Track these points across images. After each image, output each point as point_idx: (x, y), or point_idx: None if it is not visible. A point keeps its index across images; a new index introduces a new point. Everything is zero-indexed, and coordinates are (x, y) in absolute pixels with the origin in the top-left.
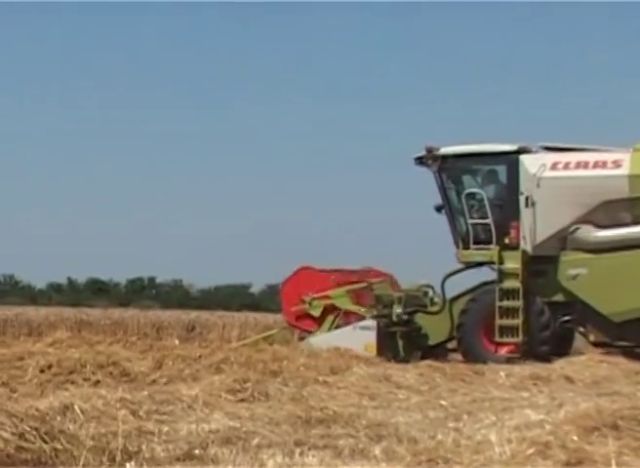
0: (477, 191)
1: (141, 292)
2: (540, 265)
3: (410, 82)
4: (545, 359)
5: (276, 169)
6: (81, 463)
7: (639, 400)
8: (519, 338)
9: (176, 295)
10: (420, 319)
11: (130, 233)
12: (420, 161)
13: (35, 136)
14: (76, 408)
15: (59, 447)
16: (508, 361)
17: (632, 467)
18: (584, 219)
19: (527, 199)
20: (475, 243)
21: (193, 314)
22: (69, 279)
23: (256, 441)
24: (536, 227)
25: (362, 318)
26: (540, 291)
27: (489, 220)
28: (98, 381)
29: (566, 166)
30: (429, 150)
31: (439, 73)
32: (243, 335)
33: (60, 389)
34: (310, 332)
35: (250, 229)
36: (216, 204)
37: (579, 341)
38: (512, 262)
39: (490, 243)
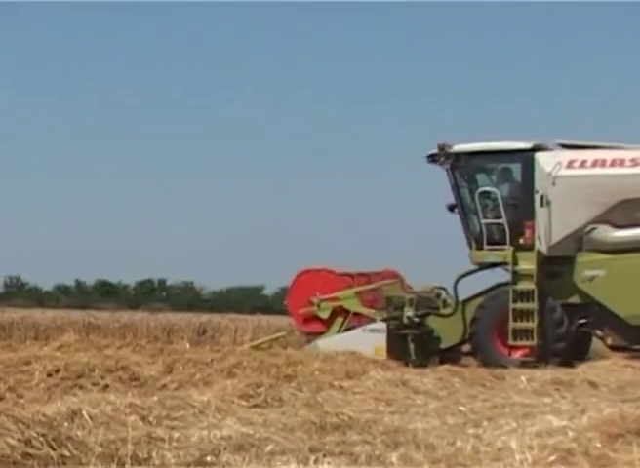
0: (491, 190)
1: (151, 294)
2: (556, 266)
3: (410, 82)
4: (568, 363)
5: (285, 168)
6: None
7: None
8: (533, 342)
9: (186, 298)
10: (432, 321)
11: (139, 234)
12: (432, 159)
13: (41, 136)
14: (84, 413)
15: (66, 453)
16: (528, 365)
17: None
18: (601, 219)
19: (542, 198)
20: (489, 243)
21: (204, 317)
22: (77, 281)
23: (269, 447)
24: (551, 227)
25: (372, 320)
26: (556, 292)
27: (503, 220)
28: (106, 386)
29: (582, 164)
30: (442, 148)
31: (440, 73)
32: (256, 339)
33: (67, 394)
34: (319, 335)
35: (262, 230)
36: (227, 204)
37: (600, 344)
38: (527, 263)
39: (504, 243)
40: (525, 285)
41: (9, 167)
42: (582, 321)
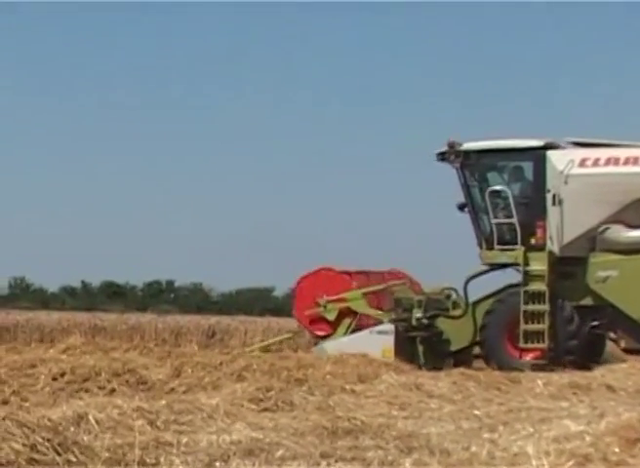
0: (502, 189)
1: (159, 295)
2: (568, 267)
3: (411, 82)
4: (585, 367)
5: (292, 168)
6: None
7: None
8: (545, 344)
9: (195, 299)
10: (442, 323)
11: (147, 234)
12: (441, 157)
13: (46, 136)
14: (90, 417)
15: (72, 459)
16: (539, 367)
17: None
18: (615, 219)
19: (554, 197)
20: (499, 243)
21: (213, 319)
22: (83, 282)
23: (279, 453)
24: (563, 227)
25: (380, 322)
26: (568, 294)
27: (514, 219)
28: (113, 390)
29: (595, 162)
30: (451, 146)
31: (440, 72)
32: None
33: (73, 398)
34: (325, 337)
35: (272, 230)
36: (237, 204)
37: (615, 347)
38: (538, 264)
39: (515, 243)
40: (536, 286)
41: (14, 167)
42: (595, 323)
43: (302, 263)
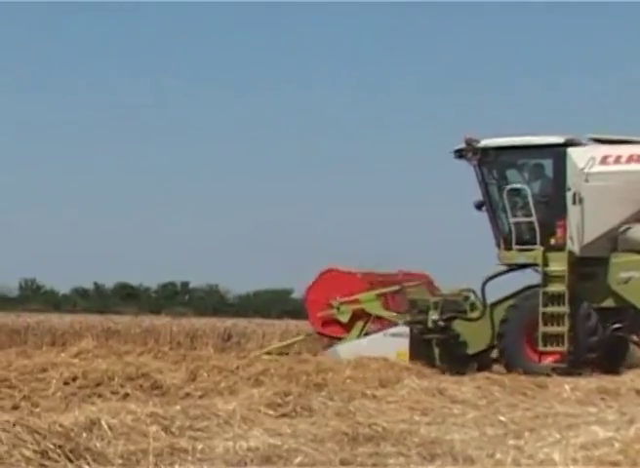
0: (520, 187)
1: (174, 297)
2: (589, 268)
3: (412, 80)
4: (613, 371)
5: (309, 168)
6: None
7: None
8: (564, 347)
9: (211, 301)
10: (459, 326)
11: (161, 235)
12: (459, 154)
13: (55, 137)
14: (103, 423)
15: (84, 466)
16: (571, 373)
17: None
18: (637, 218)
19: (574, 195)
20: (518, 243)
21: (230, 322)
22: (96, 284)
23: (298, 459)
24: (584, 226)
25: (394, 324)
26: (589, 295)
27: (533, 219)
28: (127, 395)
29: (617, 160)
30: (469, 142)
31: (441, 72)
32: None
33: (85, 403)
34: (338, 340)
35: (291, 230)
36: (256, 204)
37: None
38: (558, 264)
39: (534, 243)
40: (556, 287)
41: (24, 167)
42: (617, 325)
43: (322, 264)
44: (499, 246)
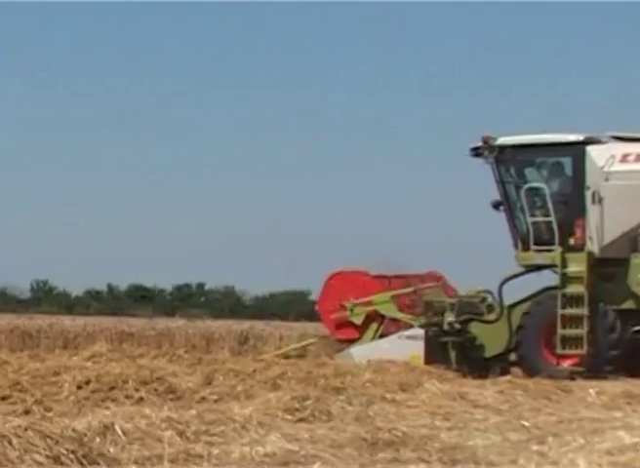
0: (538, 186)
1: (189, 299)
2: (609, 269)
3: (413, 79)
4: (637, 374)
5: (329, 167)
6: None
7: None
8: (583, 350)
9: (227, 303)
10: (475, 328)
11: (175, 235)
12: (475, 152)
13: (71, 139)
14: (117, 428)
15: None
16: (596, 377)
17: None
18: None
19: (594, 195)
20: (536, 243)
21: (246, 324)
22: (109, 285)
23: (316, 465)
24: (603, 226)
25: (409, 326)
26: (608, 297)
27: (551, 218)
28: (141, 399)
29: (638, 158)
30: (486, 140)
31: (442, 69)
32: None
33: (99, 407)
34: (352, 342)
35: (309, 231)
36: (272, 203)
37: None
38: (577, 265)
39: (552, 243)
40: (575, 289)
41: (36, 167)
42: (638, 328)
43: (338, 265)
44: (516, 246)
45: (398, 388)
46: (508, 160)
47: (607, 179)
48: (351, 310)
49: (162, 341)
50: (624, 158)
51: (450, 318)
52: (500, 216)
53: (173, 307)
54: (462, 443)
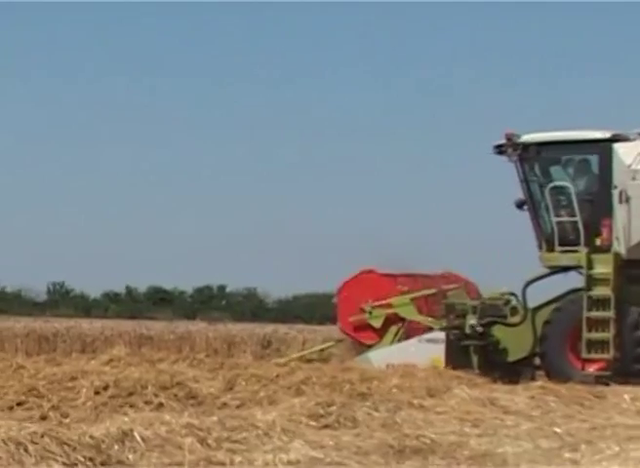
0: (564, 184)
1: (210, 302)
2: (636, 270)
3: (413, 79)
4: None
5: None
6: None
7: None
8: (610, 354)
9: (249, 306)
10: (498, 331)
11: (196, 236)
12: (498, 150)
13: (91, 140)
14: (136, 434)
15: None
16: (628, 382)
17: None
18: None
19: (621, 194)
20: (561, 244)
21: (269, 327)
22: (128, 287)
23: None
24: (631, 226)
25: (430, 329)
26: (636, 299)
27: (577, 218)
28: (160, 404)
29: None
30: (509, 138)
31: (442, 69)
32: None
33: (117, 413)
34: (370, 346)
35: (333, 231)
36: (296, 203)
37: None
38: (603, 267)
39: (578, 244)
40: (601, 291)
41: (50, 167)
42: None
43: (362, 266)
44: (540, 247)
45: (426, 394)
46: (532, 158)
47: (634, 178)
48: (370, 313)
49: (182, 345)
50: None
51: (472, 321)
52: (524, 216)
53: (193, 310)
54: (492, 450)
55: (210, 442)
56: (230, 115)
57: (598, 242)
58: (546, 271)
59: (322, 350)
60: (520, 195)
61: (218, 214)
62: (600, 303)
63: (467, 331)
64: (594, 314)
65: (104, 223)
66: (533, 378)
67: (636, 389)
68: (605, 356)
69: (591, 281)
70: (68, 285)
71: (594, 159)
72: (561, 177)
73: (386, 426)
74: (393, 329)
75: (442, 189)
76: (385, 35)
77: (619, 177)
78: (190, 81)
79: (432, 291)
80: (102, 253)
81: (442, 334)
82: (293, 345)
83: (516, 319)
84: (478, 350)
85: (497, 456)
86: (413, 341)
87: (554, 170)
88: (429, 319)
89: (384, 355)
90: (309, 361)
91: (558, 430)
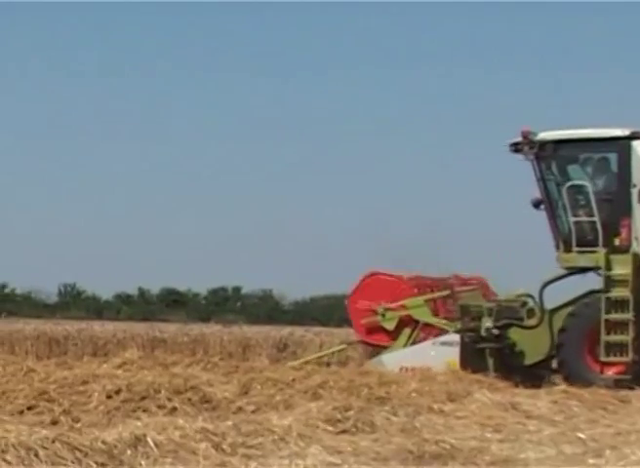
0: (581, 183)
1: (225, 304)
2: None
3: (413, 79)
4: None
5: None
6: None
7: None
8: (629, 358)
9: (265, 308)
10: (515, 334)
11: (210, 236)
12: (515, 148)
13: (99, 142)
14: (149, 440)
15: None
16: (623, 385)
17: None
18: None
19: None
20: (579, 244)
21: (285, 330)
22: (140, 289)
23: None
24: None
25: (444, 332)
26: None
27: (595, 218)
28: (174, 409)
29: None
30: (525, 135)
31: (442, 69)
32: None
33: (130, 418)
34: (383, 348)
35: (350, 232)
36: (312, 203)
37: None
38: (622, 268)
39: (596, 244)
40: (619, 292)
41: (64, 170)
42: None
43: (384, 267)
44: (558, 247)
45: (446, 398)
46: (549, 156)
47: None
48: (383, 315)
49: (196, 348)
50: None
51: (487, 323)
52: (541, 216)
53: (207, 312)
54: (514, 455)
55: (225, 447)
56: (237, 114)
57: (617, 242)
58: (564, 272)
59: (333, 353)
60: (537, 194)
61: (233, 215)
62: (619, 305)
63: (483, 333)
64: (613, 316)
65: (116, 224)
66: (554, 383)
67: None
68: (624, 359)
69: (610, 282)
70: (80, 286)
71: (613, 157)
72: (579, 176)
73: (405, 431)
74: (406, 331)
75: (451, 188)
76: (386, 35)
77: (638, 176)
78: (190, 80)
79: (446, 292)
80: (114, 253)
81: (457, 337)
82: (310, 348)
83: (533, 321)
84: (494, 353)
85: (519, 462)
86: (427, 344)
87: (572, 168)
88: (444, 321)
89: (398, 358)
90: (327, 364)
91: (582, 435)
